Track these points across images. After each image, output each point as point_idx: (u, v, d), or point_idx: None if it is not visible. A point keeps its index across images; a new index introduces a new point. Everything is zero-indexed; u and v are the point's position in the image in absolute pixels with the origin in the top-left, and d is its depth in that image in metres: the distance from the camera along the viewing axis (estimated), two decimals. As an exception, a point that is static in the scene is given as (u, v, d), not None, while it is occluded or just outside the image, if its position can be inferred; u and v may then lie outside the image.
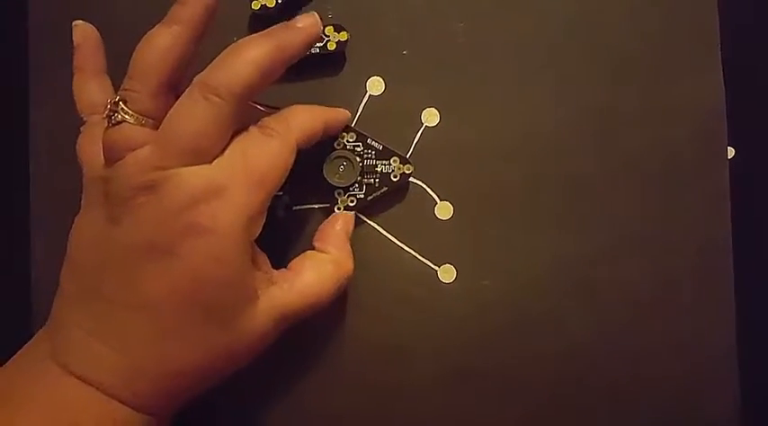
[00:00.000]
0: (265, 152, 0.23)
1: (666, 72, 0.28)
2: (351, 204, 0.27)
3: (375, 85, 0.28)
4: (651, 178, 0.28)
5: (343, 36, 0.27)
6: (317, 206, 0.28)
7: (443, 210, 0.28)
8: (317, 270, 0.25)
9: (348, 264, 0.26)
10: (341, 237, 0.26)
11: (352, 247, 0.28)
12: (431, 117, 0.28)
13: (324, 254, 0.26)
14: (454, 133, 0.28)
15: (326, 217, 0.28)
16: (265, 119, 0.24)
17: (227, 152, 0.22)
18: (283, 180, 0.23)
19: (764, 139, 0.29)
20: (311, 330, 0.28)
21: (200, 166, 0.22)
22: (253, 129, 0.23)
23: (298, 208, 0.28)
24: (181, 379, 0.23)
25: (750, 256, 0.28)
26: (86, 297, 0.22)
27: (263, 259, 0.25)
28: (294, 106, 0.25)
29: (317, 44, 0.27)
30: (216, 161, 0.22)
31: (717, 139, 0.28)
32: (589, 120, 0.28)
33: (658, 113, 0.28)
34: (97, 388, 0.22)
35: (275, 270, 0.25)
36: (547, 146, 0.28)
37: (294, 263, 0.25)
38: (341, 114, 0.27)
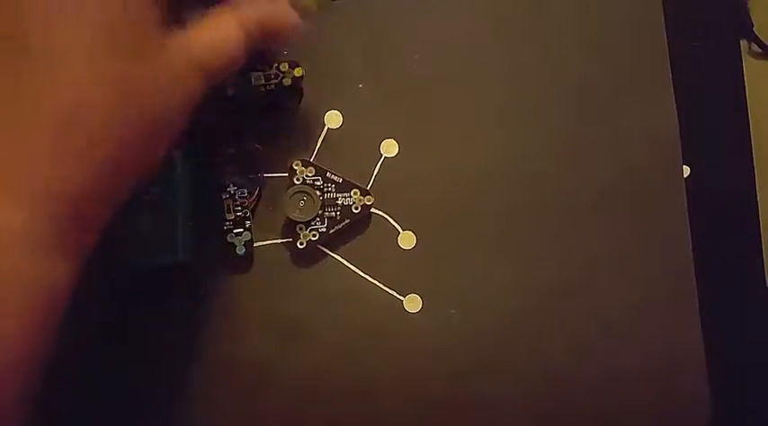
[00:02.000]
0: None
1: (623, 99, 0.29)
2: (313, 238, 0.27)
3: (333, 119, 0.28)
4: (614, 203, 0.28)
5: (299, 72, 0.27)
6: (278, 241, 0.28)
7: (406, 240, 0.28)
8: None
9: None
10: None
11: (315, 282, 0.28)
12: (390, 148, 0.28)
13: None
14: (413, 163, 0.28)
15: (289, 253, 0.28)
16: None
17: None
18: None
19: (717, 157, 0.29)
20: (276, 364, 0.27)
21: None
22: None
23: (259, 244, 0.28)
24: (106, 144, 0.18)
25: (713, 272, 0.28)
26: None
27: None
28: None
29: (273, 80, 0.27)
30: None
31: (673, 163, 0.28)
32: (550, 149, 0.28)
33: (618, 140, 0.28)
34: None
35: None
36: (507, 174, 0.28)
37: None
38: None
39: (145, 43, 0.20)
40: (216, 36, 0.22)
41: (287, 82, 0.27)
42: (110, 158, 0.19)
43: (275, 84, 0.27)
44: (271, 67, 0.27)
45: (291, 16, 0.24)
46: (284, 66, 0.27)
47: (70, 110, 0.18)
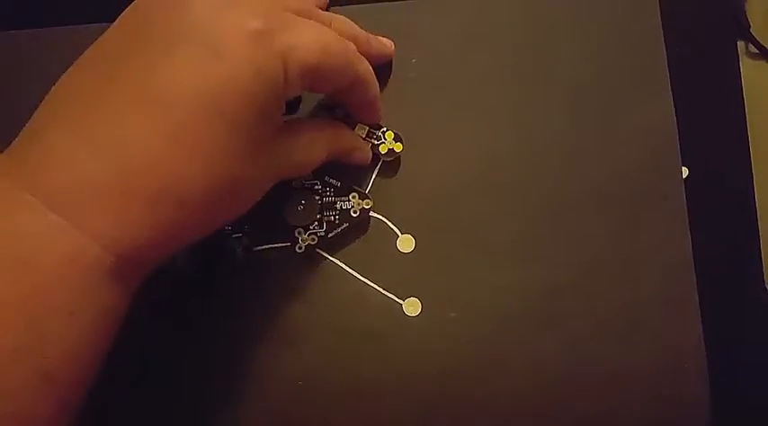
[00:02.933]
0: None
1: (621, 100, 0.29)
2: (312, 242, 0.27)
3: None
4: (613, 204, 0.28)
5: (399, 147, 0.28)
6: (277, 245, 0.28)
7: (405, 243, 0.28)
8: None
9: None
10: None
11: (314, 286, 0.28)
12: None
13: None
14: (412, 166, 0.28)
15: (287, 258, 0.28)
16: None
17: None
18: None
19: (714, 157, 0.29)
20: (275, 368, 0.27)
21: None
22: None
23: (258, 248, 0.28)
24: (179, 210, 0.19)
25: (711, 272, 0.28)
26: (86, 95, 0.19)
27: None
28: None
29: None
30: None
31: (671, 163, 0.28)
32: (549, 150, 0.28)
33: (616, 140, 0.28)
34: (67, 218, 0.18)
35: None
36: (506, 176, 0.28)
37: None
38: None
39: (262, 139, 0.21)
40: (309, 152, 0.25)
41: (383, 150, 0.28)
42: (182, 219, 0.20)
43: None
44: (379, 127, 0.28)
45: (367, 155, 0.27)
46: (389, 135, 0.28)
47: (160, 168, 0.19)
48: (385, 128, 0.28)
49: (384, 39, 0.28)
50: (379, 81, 0.28)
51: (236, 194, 0.21)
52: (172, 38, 0.19)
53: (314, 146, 0.25)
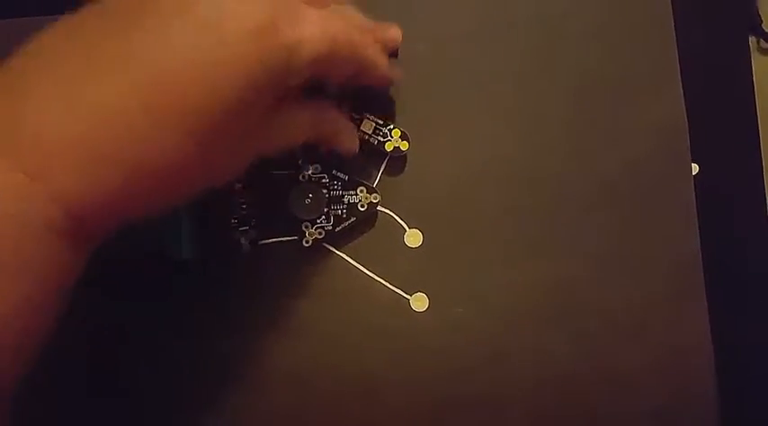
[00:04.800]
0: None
1: (629, 92, 0.28)
2: (319, 236, 0.27)
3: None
4: (622, 200, 0.28)
5: (405, 146, 0.28)
6: (284, 239, 0.28)
7: (413, 238, 0.28)
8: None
9: None
10: None
11: (320, 280, 0.28)
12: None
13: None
14: (420, 160, 0.28)
15: (294, 251, 0.28)
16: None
17: None
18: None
19: (725, 154, 0.29)
20: (281, 362, 0.27)
21: None
22: None
23: (264, 242, 0.28)
24: (146, 179, 0.19)
25: (720, 270, 0.28)
26: (75, 51, 0.19)
27: None
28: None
29: None
30: None
31: (680, 156, 0.28)
32: (558, 145, 0.28)
33: (625, 136, 0.28)
34: (28, 173, 0.17)
35: None
36: (514, 171, 0.28)
37: None
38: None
39: (256, 122, 0.21)
40: (289, 131, 0.24)
41: (389, 147, 0.27)
42: (148, 188, 0.19)
43: (375, 143, 0.27)
44: (386, 123, 0.27)
45: (354, 143, 0.27)
46: (396, 132, 0.27)
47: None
48: (392, 126, 0.27)
49: (391, 26, 0.27)
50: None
51: (208, 172, 0.21)
52: (174, 12, 0.19)
53: (294, 126, 0.24)
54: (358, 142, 0.27)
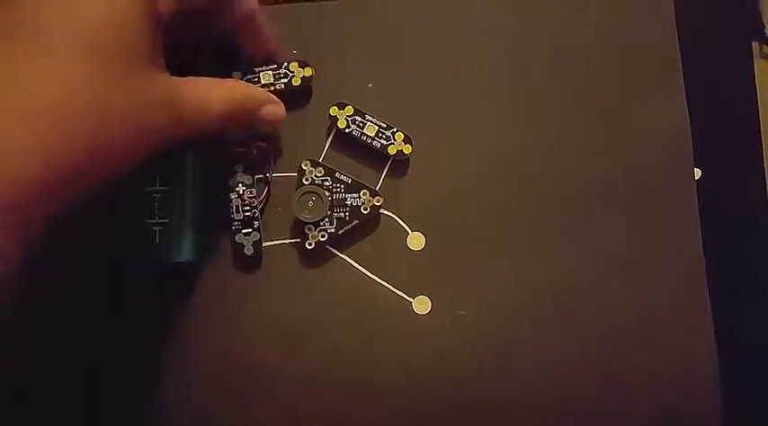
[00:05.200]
0: None
1: (632, 97, 0.29)
2: (322, 239, 0.27)
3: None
4: (624, 203, 0.28)
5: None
6: (287, 242, 0.28)
7: (415, 241, 0.28)
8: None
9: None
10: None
11: (323, 283, 0.28)
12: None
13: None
14: (423, 164, 0.28)
15: (297, 254, 0.28)
16: None
17: None
18: None
19: (728, 159, 0.29)
20: (283, 365, 0.27)
21: None
22: None
23: (267, 244, 0.28)
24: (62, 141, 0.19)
25: (722, 274, 0.28)
26: None
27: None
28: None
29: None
30: None
31: (683, 161, 0.28)
32: (561, 148, 0.28)
33: (628, 141, 0.28)
34: None
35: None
36: (517, 174, 0.28)
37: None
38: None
39: (140, 67, 0.21)
40: (205, 102, 0.23)
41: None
42: (73, 161, 0.19)
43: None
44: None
45: (280, 111, 0.26)
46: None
47: (55, 105, 0.19)
48: (395, 129, 0.28)
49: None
50: (390, 78, 0.29)
51: (123, 128, 0.21)
52: None
53: (209, 94, 0.24)
54: (283, 111, 0.26)
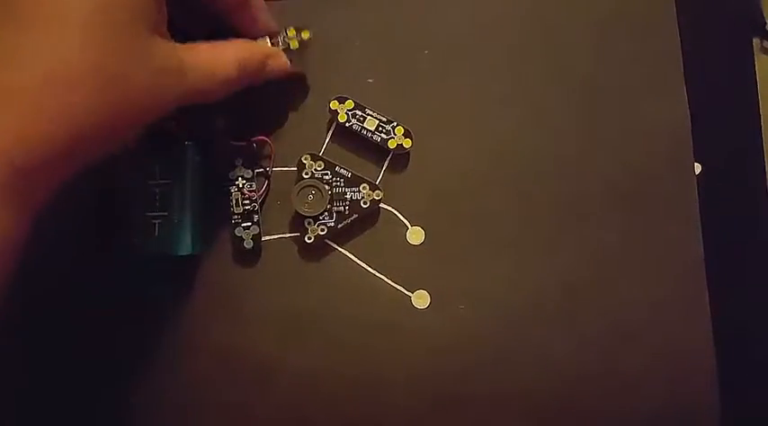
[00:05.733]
0: None
1: (635, 96, 0.28)
2: (321, 233, 0.27)
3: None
4: (624, 200, 0.28)
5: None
6: (286, 236, 0.28)
7: (415, 236, 0.28)
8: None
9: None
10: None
11: (322, 277, 0.28)
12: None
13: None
14: (423, 158, 0.28)
15: (297, 247, 0.28)
16: None
17: None
18: None
19: (728, 154, 0.29)
20: (282, 359, 0.27)
21: None
22: None
23: (267, 238, 0.28)
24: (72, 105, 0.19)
25: (722, 271, 0.28)
26: None
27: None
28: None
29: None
30: None
31: (683, 157, 0.28)
32: (561, 145, 0.28)
33: (628, 136, 0.28)
34: None
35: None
36: (517, 170, 0.28)
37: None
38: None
39: (143, 34, 0.21)
40: (212, 67, 0.23)
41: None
42: (76, 128, 0.19)
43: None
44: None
45: (283, 60, 0.26)
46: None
47: (53, 75, 0.19)
48: (395, 123, 0.28)
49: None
50: (391, 72, 0.29)
51: (127, 97, 0.20)
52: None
53: (215, 59, 0.24)
54: (287, 60, 0.26)
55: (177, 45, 0.22)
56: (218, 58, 0.24)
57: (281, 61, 0.26)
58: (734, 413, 0.27)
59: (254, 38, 0.26)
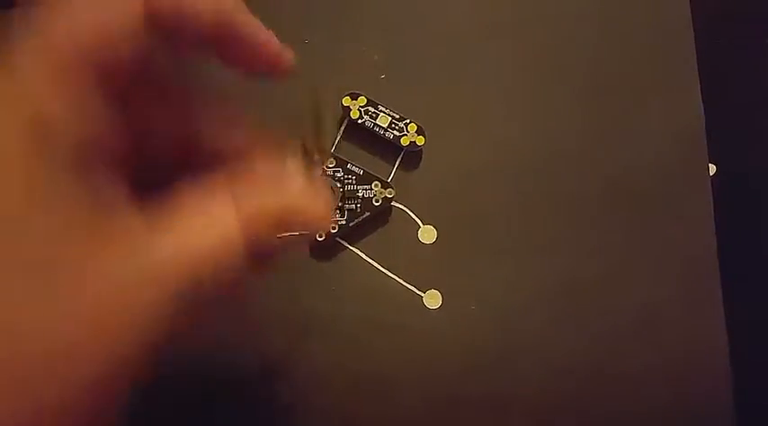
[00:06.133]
0: None
1: (647, 93, 0.28)
2: (332, 230, 0.27)
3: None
4: (636, 199, 0.28)
5: (420, 140, 0.27)
6: (297, 233, 0.28)
7: (427, 234, 0.28)
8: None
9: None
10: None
11: (333, 275, 0.27)
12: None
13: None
14: (436, 156, 0.28)
15: (307, 246, 0.27)
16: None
17: None
18: None
19: (743, 155, 0.29)
20: (293, 358, 0.27)
21: None
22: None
23: (277, 236, 0.27)
24: None
25: (736, 271, 0.28)
26: None
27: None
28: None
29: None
30: None
31: (698, 157, 0.28)
32: (572, 143, 0.28)
33: (642, 136, 0.28)
34: None
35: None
36: (529, 169, 0.28)
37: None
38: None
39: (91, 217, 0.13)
40: (208, 240, 0.15)
41: (405, 141, 0.27)
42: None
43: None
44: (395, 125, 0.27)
45: (314, 202, 0.17)
46: (404, 140, 0.27)
47: None
48: (408, 120, 0.27)
49: None
50: (404, 69, 0.28)
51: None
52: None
53: (214, 249, 0.15)
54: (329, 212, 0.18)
55: (147, 222, 0.14)
56: (216, 225, 0.15)
57: (318, 216, 0.17)
58: (748, 412, 0.27)
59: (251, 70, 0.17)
